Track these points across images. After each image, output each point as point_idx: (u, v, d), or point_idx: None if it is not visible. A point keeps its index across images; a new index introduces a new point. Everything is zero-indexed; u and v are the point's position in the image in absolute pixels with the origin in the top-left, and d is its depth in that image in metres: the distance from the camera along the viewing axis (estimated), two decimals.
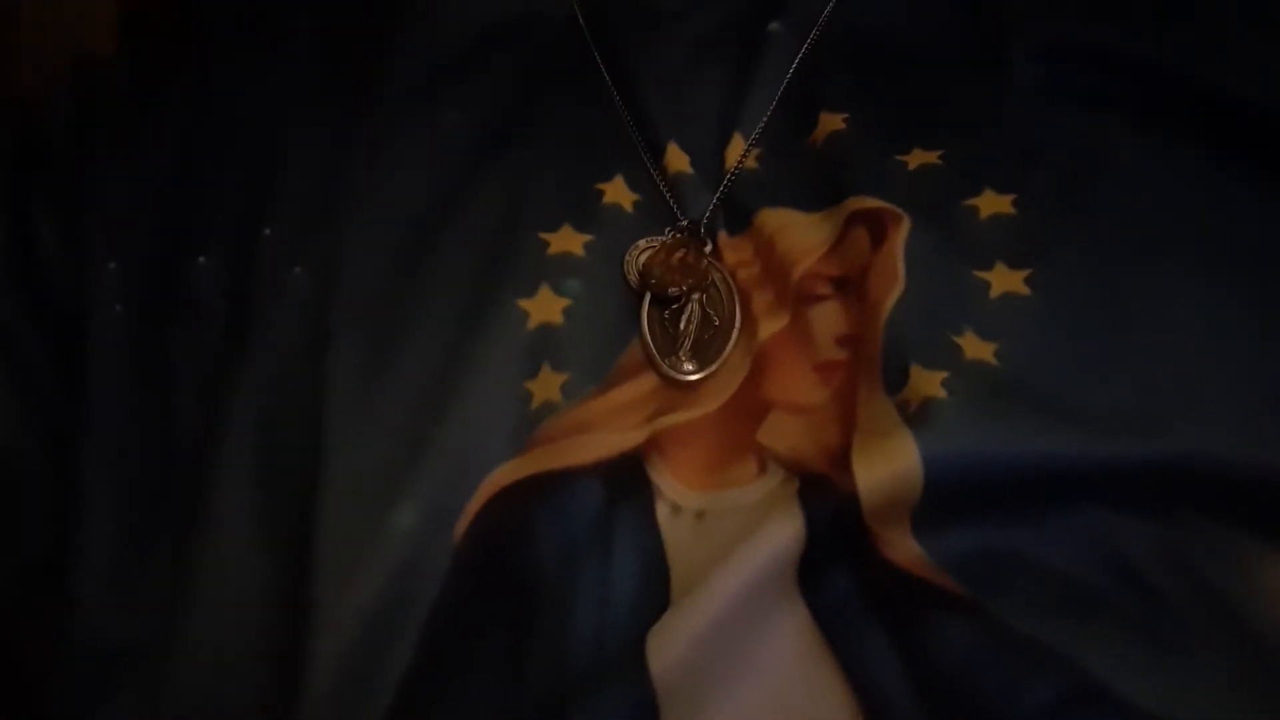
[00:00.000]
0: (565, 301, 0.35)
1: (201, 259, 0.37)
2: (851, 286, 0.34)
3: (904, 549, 0.30)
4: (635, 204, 0.37)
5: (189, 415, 0.35)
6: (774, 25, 0.40)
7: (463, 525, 0.31)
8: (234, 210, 0.38)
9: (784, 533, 0.30)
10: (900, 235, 0.34)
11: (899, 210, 0.34)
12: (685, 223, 0.37)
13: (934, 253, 0.34)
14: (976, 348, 0.32)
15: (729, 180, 0.37)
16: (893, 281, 0.33)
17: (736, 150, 0.38)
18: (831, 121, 0.37)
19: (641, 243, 0.36)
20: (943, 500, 0.30)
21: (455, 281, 0.35)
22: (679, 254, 0.36)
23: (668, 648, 0.29)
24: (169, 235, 0.38)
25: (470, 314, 0.35)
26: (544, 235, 0.36)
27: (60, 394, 0.36)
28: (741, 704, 0.29)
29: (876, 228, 0.34)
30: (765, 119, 0.38)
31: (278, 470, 0.33)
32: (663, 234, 0.37)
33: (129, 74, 0.42)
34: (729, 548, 0.30)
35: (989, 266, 0.33)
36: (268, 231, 0.37)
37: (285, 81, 0.41)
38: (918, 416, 0.30)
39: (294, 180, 0.38)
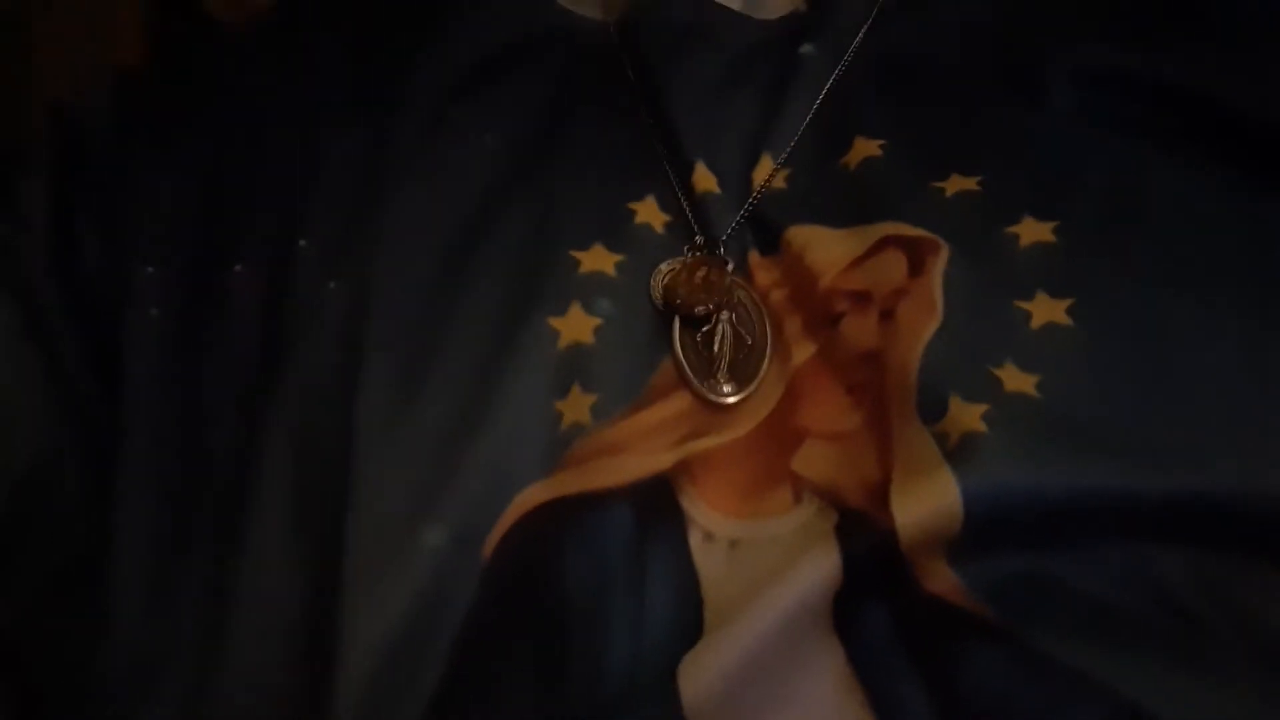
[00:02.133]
0: (596, 321, 0.35)
1: (238, 267, 0.37)
2: (874, 303, 0.34)
3: (941, 577, 0.29)
4: (666, 225, 0.37)
5: (223, 425, 0.35)
6: (806, 48, 0.40)
7: (491, 544, 0.31)
8: (269, 221, 0.38)
9: (820, 570, 0.29)
10: (939, 265, 0.33)
11: (938, 238, 0.34)
12: (700, 240, 0.36)
13: (974, 282, 0.33)
14: (1017, 380, 0.31)
15: (754, 200, 0.37)
16: (930, 314, 0.33)
17: (764, 171, 0.38)
18: (867, 147, 0.37)
19: (663, 266, 0.36)
20: (982, 532, 0.29)
21: (486, 299, 0.35)
22: (701, 272, 0.35)
23: (700, 679, 0.29)
24: (207, 243, 0.38)
25: (501, 332, 0.34)
26: (575, 253, 0.36)
27: (100, 396, 0.36)
28: None
29: (915, 255, 0.34)
30: (795, 140, 0.38)
31: (309, 487, 0.33)
32: (683, 254, 0.36)
33: (164, 82, 0.42)
34: (764, 580, 0.30)
35: (1030, 296, 0.33)
36: (303, 243, 0.37)
37: (317, 94, 0.40)
38: (959, 453, 0.30)
39: (327, 194, 0.38)
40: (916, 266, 0.34)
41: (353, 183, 0.38)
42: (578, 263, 0.36)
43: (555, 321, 0.34)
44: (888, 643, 0.29)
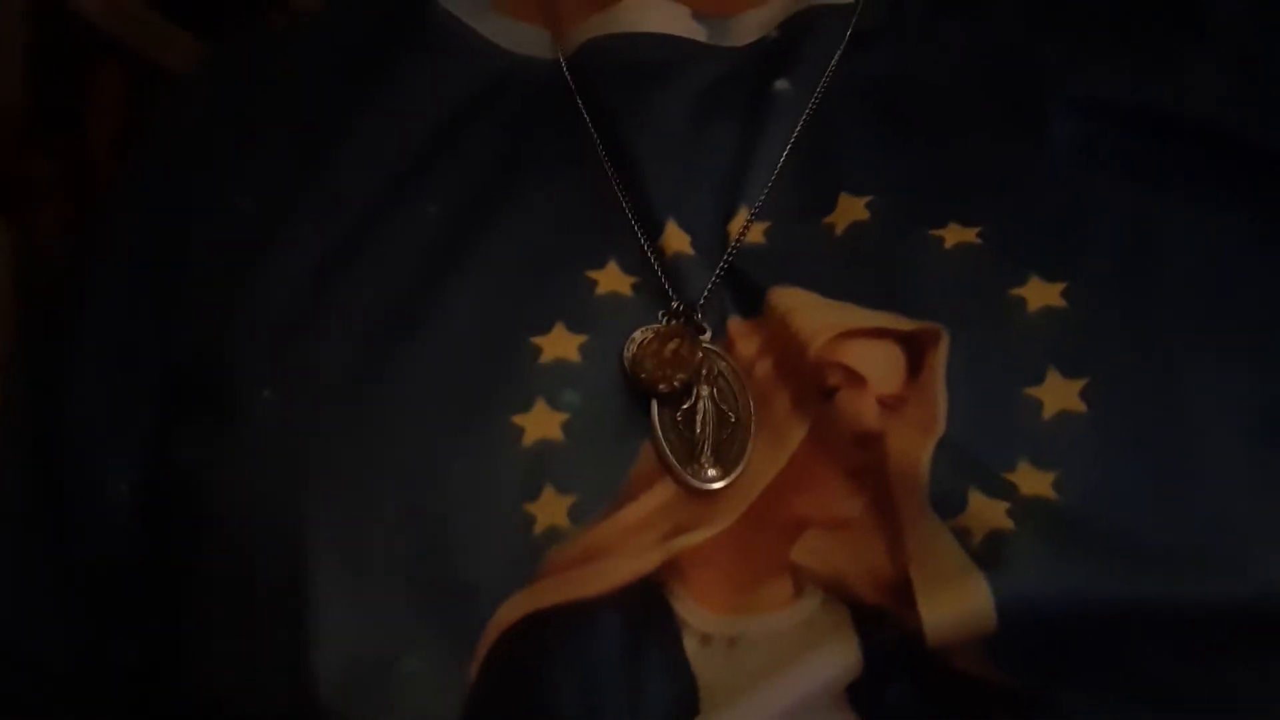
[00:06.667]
0: (564, 416, 0.32)
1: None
2: (871, 389, 0.31)
3: (967, 656, 0.28)
4: (634, 286, 0.34)
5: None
6: (781, 84, 0.36)
7: (476, 665, 0.29)
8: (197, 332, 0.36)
9: (838, 663, 0.28)
10: (940, 359, 0.31)
11: (938, 327, 0.31)
12: (677, 305, 0.34)
13: (978, 370, 0.31)
14: (1033, 481, 0.29)
15: (729, 255, 0.34)
16: (932, 425, 0.30)
17: (739, 224, 0.35)
18: (854, 207, 0.34)
19: (636, 335, 0.34)
20: (1015, 629, 0.28)
21: (437, 398, 0.33)
22: (672, 345, 0.33)
23: None
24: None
25: (458, 435, 0.32)
26: (535, 340, 0.33)
27: None
28: None
29: (913, 351, 0.31)
30: (770, 188, 0.35)
31: (262, 627, 0.31)
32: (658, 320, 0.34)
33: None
34: (768, 676, 0.28)
35: (1040, 379, 0.30)
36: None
37: (244, 166, 0.38)
38: (986, 554, 0.28)
39: (250, 302, 0.36)
40: (915, 365, 0.31)
41: (281, 279, 0.35)
42: (538, 350, 0.33)
43: (518, 419, 0.32)
44: (909, 716, 0.28)
